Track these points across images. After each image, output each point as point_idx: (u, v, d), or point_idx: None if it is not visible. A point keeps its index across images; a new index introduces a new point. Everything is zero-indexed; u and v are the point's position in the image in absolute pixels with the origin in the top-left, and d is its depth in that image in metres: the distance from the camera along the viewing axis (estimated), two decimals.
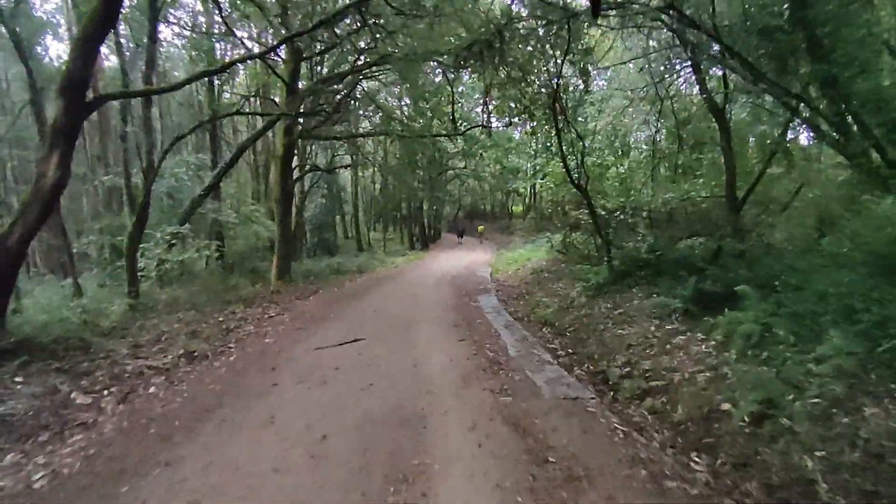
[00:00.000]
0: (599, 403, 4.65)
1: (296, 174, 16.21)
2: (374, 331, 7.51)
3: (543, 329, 8.22)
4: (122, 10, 7.68)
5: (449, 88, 16.53)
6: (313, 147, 20.23)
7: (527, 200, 41.89)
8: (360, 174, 32.37)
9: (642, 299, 7.69)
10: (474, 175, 34.27)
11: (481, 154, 27.10)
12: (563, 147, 9.27)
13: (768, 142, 10.27)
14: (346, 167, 23.44)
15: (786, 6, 6.54)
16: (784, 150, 10.38)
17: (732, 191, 8.83)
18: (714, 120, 9.53)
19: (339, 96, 13.93)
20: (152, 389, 5.07)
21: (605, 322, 7.33)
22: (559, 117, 9.09)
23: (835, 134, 7.04)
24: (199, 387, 5.14)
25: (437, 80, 18.33)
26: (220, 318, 8.47)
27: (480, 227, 39.76)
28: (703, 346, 5.23)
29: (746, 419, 3.62)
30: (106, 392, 4.92)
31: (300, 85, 13.66)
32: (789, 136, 10.35)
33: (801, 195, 9.09)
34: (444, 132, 16.46)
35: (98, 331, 6.81)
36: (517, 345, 6.91)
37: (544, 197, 19.93)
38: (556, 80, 9.07)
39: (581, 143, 9.85)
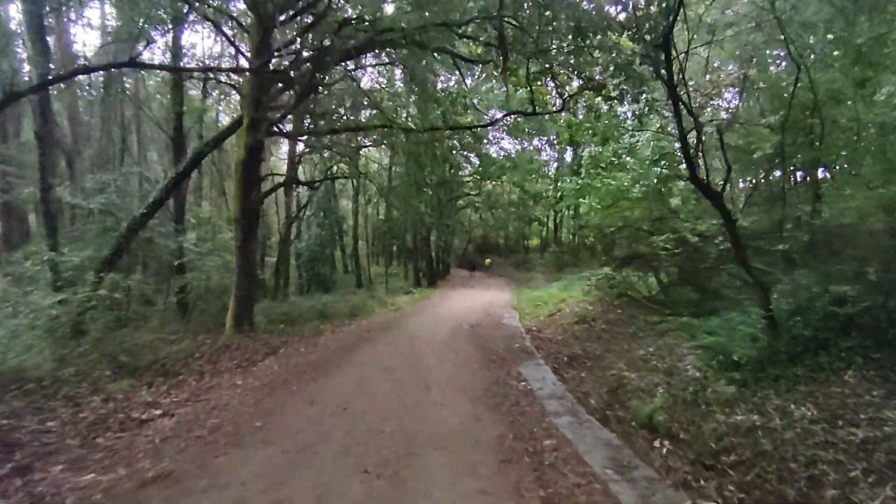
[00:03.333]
0: None
1: (271, 187, 12.53)
2: (328, 484, 3.55)
3: (660, 445, 4.32)
4: None
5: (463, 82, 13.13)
6: (302, 158, 16.57)
7: (544, 233, 38.13)
8: (360, 199, 28.92)
9: (883, 398, 3.79)
10: (487, 203, 30.66)
11: (499, 177, 23.48)
12: (682, 123, 5.41)
13: None
14: (332, 179, 19.60)
15: None
16: None
17: None
18: None
19: (324, 80, 10.34)
20: None
21: (815, 453, 3.40)
22: (675, 75, 5.28)
23: None
24: None
25: (450, 83, 14.99)
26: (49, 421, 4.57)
27: (487, 260, 37.49)
28: None
29: None
30: None
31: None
32: None
33: None
34: (464, 125, 12.74)
35: None
36: None
37: (585, 224, 16.45)
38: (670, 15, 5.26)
39: (696, 122, 5.95)
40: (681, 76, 5.46)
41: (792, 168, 8.73)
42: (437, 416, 4.65)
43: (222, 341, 9.28)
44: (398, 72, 15.88)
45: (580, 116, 11.24)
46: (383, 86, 15.73)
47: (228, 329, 10.25)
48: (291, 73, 9.33)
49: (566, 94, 10.15)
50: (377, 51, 12.36)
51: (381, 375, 6.36)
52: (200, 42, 37.20)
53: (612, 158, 18.04)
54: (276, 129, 9.96)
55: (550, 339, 10.41)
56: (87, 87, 18.08)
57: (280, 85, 10.29)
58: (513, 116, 16.37)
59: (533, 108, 11.31)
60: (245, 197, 10.16)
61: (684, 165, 7.05)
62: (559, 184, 25.32)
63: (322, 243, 28.26)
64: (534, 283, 24.99)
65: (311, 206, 28.71)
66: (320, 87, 10.73)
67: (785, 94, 7.56)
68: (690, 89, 7.10)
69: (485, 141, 22.67)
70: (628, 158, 13.75)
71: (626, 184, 11.77)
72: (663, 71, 4.95)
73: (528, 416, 4.72)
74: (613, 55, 6.76)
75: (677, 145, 8.41)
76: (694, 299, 10.08)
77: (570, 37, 7.90)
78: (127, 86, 15.92)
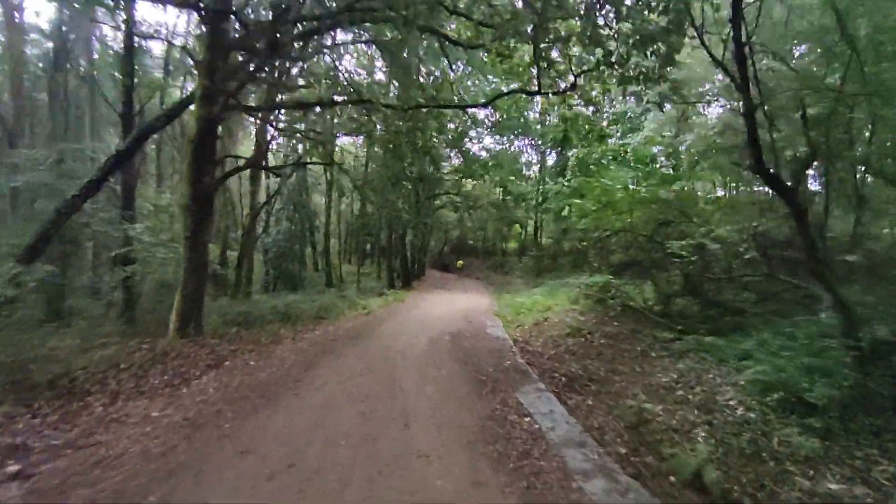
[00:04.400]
0: None
1: (229, 170, 10.97)
2: None
3: None
4: None
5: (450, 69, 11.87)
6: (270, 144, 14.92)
7: (523, 236, 37.13)
8: (334, 194, 27.31)
9: None
10: (466, 203, 29.43)
11: (482, 175, 22.30)
12: (750, 97, 4.22)
13: None
14: (302, 165, 17.91)
15: None
16: None
17: None
18: None
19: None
20: None
21: None
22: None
23: None
24: None
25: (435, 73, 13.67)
26: None
27: (460, 262, 36.95)
28: None
29: None
30: None
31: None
32: None
33: None
34: (454, 104, 11.42)
35: None
36: None
37: (574, 227, 15.44)
38: None
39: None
40: (749, 39, 4.30)
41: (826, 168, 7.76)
42: (421, 480, 3.34)
43: (161, 347, 7.81)
44: (379, 61, 14.60)
45: (593, 95, 10.04)
46: (362, 75, 14.40)
47: (172, 333, 8.77)
48: (248, 29, 7.84)
49: (579, 71, 8.95)
50: (355, 27, 11.01)
51: (345, 405, 4.99)
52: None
53: (604, 159, 17.13)
54: (234, 101, 8.45)
55: (541, 353, 9.22)
56: (35, 60, 16.19)
57: (241, 55, 8.83)
58: (503, 106, 15.12)
59: (539, 88, 10.08)
60: (196, 181, 8.65)
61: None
62: (542, 186, 24.32)
63: (291, 239, 26.55)
64: (513, 288, 23.88)
65: (280, 199, 27.06)
66: (288, 56, 9.30)
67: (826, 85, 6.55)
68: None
69: (467, 139, 21.50)
70: (629, 156, 12.82)
71: (627, 183, 10.73)
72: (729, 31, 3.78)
73: (545, 477, 3.45)
74: (639, 23, 5.62)
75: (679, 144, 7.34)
76: (703, 313, 9.07)
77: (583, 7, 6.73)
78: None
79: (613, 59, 6.56)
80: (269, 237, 26.31)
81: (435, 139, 14.51)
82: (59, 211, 8.82)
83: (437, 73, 12.27)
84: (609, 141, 14.85)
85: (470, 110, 17.15)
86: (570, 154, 22.15)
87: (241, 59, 8.66)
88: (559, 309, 13.70)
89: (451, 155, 23.42)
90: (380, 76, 15.62)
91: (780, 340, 5.48)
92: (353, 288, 24.10)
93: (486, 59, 12.90)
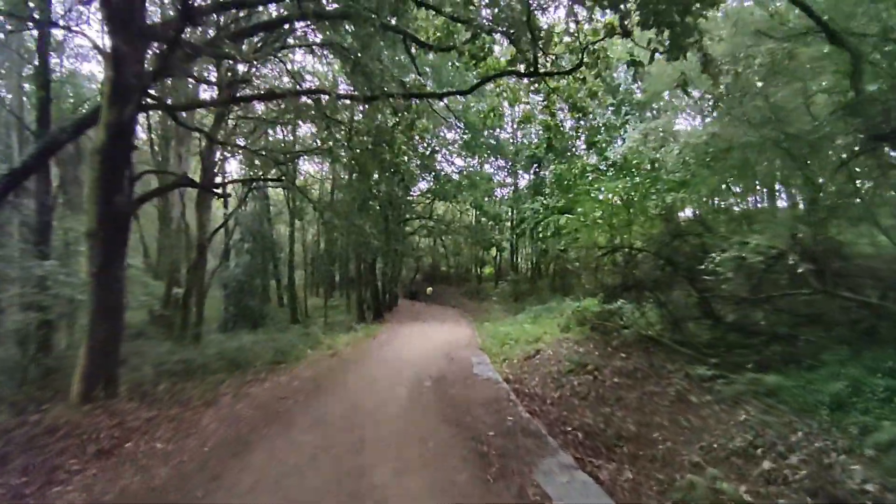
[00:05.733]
0: None
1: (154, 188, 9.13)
2: None
3: None
4: None
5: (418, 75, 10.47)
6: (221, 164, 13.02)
7: (498, 260, 35.76)
8: (297, 223, 25.44)
9: None
10: (439, 228, 27.94)
11: (454, 196, 20.90)
12: None
13: None
14: (252, 182, 15.76)
15: None
16: None
17: None
18: None
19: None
20: None
21: None
22: None
23: None
24: None
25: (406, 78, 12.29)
26: None
27: (428, 289, 35.95)
28: None
29: None
30: None
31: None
32: None
33: None
34: (428, 92, 9.88)
35: None
36: None
37: (567, 246, 14.06)
38: None
39: None
40: None
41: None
42: None
43: (50, 420, 5.85)
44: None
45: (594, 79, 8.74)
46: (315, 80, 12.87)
47: (74, 396, 6.80)
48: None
49: (585, 44, 7.63)
50: (308, 24, 9.53)
51: None
52: None
53: (585, 173, 15.96)
54: (150, 100, 6.74)
55: (542, 396, 7.63)
56: None
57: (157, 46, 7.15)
58: (475, 121, 13.78)
59: (534, 65, 8.70)
60: (105, 200, 6.83)
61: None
62: (518, 206, 23.10)
63: (251, 272, 24.50)
64: (493, 315, 22.34)
65: (238, 229, 24.98)
66: (226, 54, 7.68)
67: None
68: None
69: (437, 155, 20.19)
70: (617, 166, 11.59)
71: (627, 192, 9.41)
72: None
73: None
74: None
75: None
76: (727, 339, 7.67)
77: None
78: None
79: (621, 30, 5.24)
80: (227, 270, 24.17)
81: (405, 155, 13.01)
82: None
83: (408, 80, 10.85)
84: (587, 153, 13.77)
85: (440, 127, 15.85)
86: (546, 172, 21.07)
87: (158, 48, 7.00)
88: (550, 338, 12.20)
89: (422, 177, 22.07)
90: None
91: (882, 380, 4.04)
92: (319, 323, 22.13)
93: (458, 64, 11.62)
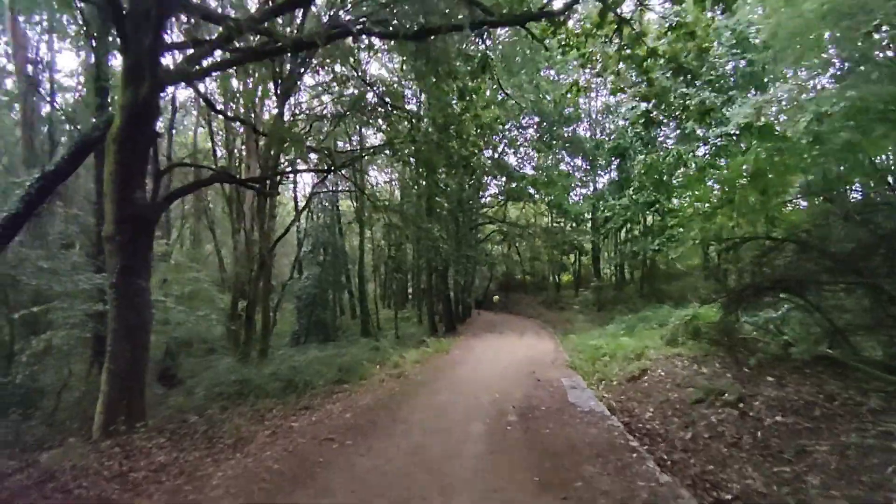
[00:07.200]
0: None
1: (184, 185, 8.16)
2: None
3: None
4: None
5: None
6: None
7: (576, 266, 33.05)
8: (367, 232, 24.67)
9: None
10: (512, 232, 26.02)
11: (530, 196, 19.04)
12: None
13: None
14: (293, 174, 14.86)
15: None
16: None
17: None
18: None
19: None
20: None
21: None
22: None
23: None
24: None
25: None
26: None
27: (495, 297, 35.36)
28: None
29: None
30: None
31: None
32: None
33: None
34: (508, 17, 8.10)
35: None
36: None
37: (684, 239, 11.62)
38: None
39: None
40: None
41: None
42: None
43: (46, 464, 4.81)
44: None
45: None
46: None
47: (95, 429, 5.81)
48: None
49: None
50: None
51: None
52: None
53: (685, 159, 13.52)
54: (171, 74, 5.66)
55: (665, 436, 5.68)
56: None
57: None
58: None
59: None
60: (123, 197, 5.81)
61: None
62: (603, 204, 20.77)
63: (322, 285, 24.03)
64: (576, 327, 20.14)
65: (308, 241, 24.66)
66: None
67: None
68: None
69: (509, 153, 18.44)
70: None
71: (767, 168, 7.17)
72: None
73: None
74: None
75: None
76: None
77: None
78: None
79: None
80: (297, 283, 23.83)
81: (474, 147, 11.47)
82: None
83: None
84: (695, 126, 11.33)
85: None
86: (634, 163, 18.67)
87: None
88: (655, 354, 10.04)
89: (494, 176, 20.44)
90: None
91: None
92: (390, 336, 21.02)
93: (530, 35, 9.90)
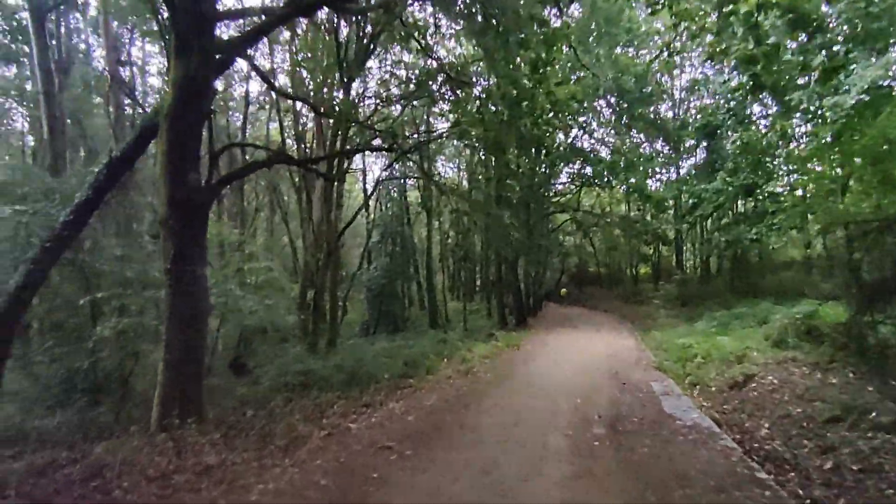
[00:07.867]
0: None
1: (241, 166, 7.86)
2: None
3: None
4: None
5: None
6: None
7: (656, 258, 30.71)
8: (435, 223, 24.18)
9: None
10: (588, 220, 24.42)
11: (608, 181, 17.58)
12: None
13: None
14: (356, 153, 14.22)
15: None
16: None
17: None
18: None
19: None
20: None
21: None
22: None
23: None
24: None
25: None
26: None
27: (563, 291, 34.22)
28: None
29: None
30: None
31: None
32: None
33: None
34: None
35: None
36: None
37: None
38: None
39: None
40: None
41: None
42: None
43: (94, 458, 4.58)
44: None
45: None
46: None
47: (153, 422, 5.60)
48: None
49: None
50: None
51: None
52: None
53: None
54: (222, 42, 5.24)
55: (795, 464, 4.58)
56: None
57: None
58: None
59: None
60: (176, 180, 5.51)
61: None
62: (690, 189, 18.85)
63: (390, 275, 23.86)
64: (658, 323, 18.47)
65: (377, 230, 24.57)
66: None
67: None
68: None
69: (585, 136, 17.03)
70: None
71: None
72: None
73: None
74: None
75: None
76: None
77: None
78: None
79: None
80: (367, 274, 23.82)
81: (548, 125, 10.48)
82: (44, 247, 6.24)
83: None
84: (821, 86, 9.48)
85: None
86: (728, 143, 16.71)
87: None
88: (760, 357, 8.70)
89: (569, 160, 19.12)
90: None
91: None
92: (458, 329, 20.43)
93: None
